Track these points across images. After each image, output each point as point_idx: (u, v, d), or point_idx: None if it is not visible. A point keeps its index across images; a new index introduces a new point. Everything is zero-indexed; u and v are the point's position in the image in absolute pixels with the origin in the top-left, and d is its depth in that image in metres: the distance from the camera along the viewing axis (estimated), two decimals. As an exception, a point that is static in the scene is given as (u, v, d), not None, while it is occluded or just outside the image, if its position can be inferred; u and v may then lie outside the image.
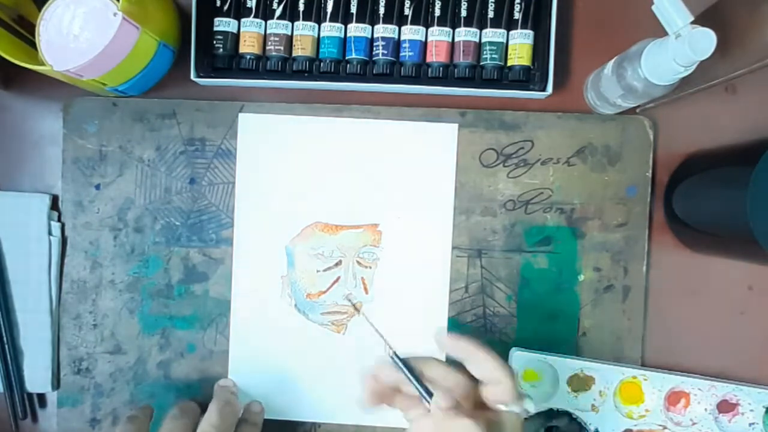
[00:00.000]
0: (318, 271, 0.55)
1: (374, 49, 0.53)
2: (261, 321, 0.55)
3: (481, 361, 0.42)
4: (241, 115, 0.55)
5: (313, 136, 0.55)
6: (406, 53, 0.53)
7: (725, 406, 0.55)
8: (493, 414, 0.41)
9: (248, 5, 0.53)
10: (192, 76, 0.53)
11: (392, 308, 0.55)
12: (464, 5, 0.53)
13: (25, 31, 0.50)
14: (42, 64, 0.46)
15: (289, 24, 0.53)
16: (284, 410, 0.55)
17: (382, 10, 0.53)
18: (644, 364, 0.56)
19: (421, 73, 0.54)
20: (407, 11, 0.53)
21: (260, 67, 0.54)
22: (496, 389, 0.41)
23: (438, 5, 0.53)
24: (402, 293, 0.55)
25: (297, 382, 0.55)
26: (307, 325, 0.55)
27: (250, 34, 0.53)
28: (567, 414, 0.54)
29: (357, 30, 0.53)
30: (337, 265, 0.55)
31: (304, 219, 0.55)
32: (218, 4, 0.53)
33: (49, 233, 0.55)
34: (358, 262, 0.55)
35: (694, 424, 0.54)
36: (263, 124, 0.55)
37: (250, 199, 0.55)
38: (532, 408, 0.42)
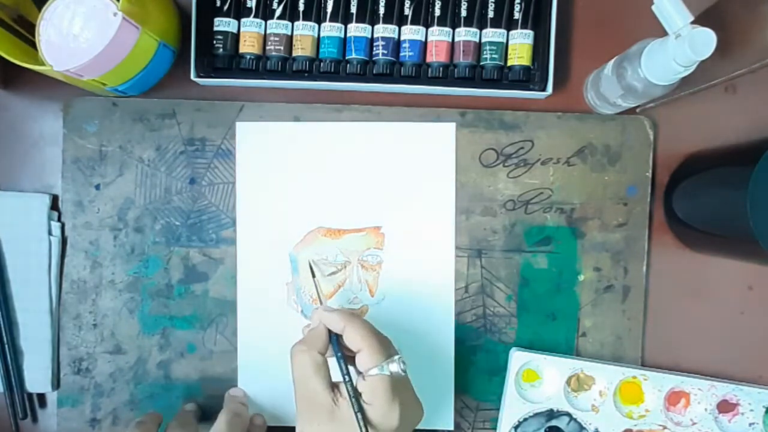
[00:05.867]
0: (323, 276, 0.55)
1: (374, 49, 0.53)
2: (268, 328, 0.55)
3: (349, 333, 0.45)
4: (238, 124, 0.55)
5: (311, 140, 0.55)
6: (406, 53, 0.53)
7: (725, 406, 0.55)
8: (369, 382, 0.43)
9: (248, 5, 0.53)
10: (192, 76, 0.53)
11: (399, 310, 0.55)
12: (464, 5, 0.53)
13: (25, 31, 0.50)
14: (42, 64, 0.46)
15: (289, 24, 0.53)
16: (292, 417, 0.55)
17: (382, 10, 0.53)
18: (644, 364, 0.56)
19: (421, 73, 0.54)
20: (407, 11, 0.53)
21: (260, 67, 0.54)
22: (361, 357, 0.44)
23: (438, 5, 0.53)
24: (408, 294, 0.55)
25: None
26: (314, 331, 0.55)
27: (250, 34, 0.53)
28: (567, 414, 0.54)
29: (357, 30, 0.53)
30: (341, 269, 0.55)
31: (306, 225, 0.55)
32: (218, 4, 0.53)
33: (49, 233, 0.55)
34: (362, 266, 0.55)
35: (694, 424, 0.54)
36: (260, 132, 0.55)
37: (252, 208, 0.55)
38: (396, 368, 0.44)
